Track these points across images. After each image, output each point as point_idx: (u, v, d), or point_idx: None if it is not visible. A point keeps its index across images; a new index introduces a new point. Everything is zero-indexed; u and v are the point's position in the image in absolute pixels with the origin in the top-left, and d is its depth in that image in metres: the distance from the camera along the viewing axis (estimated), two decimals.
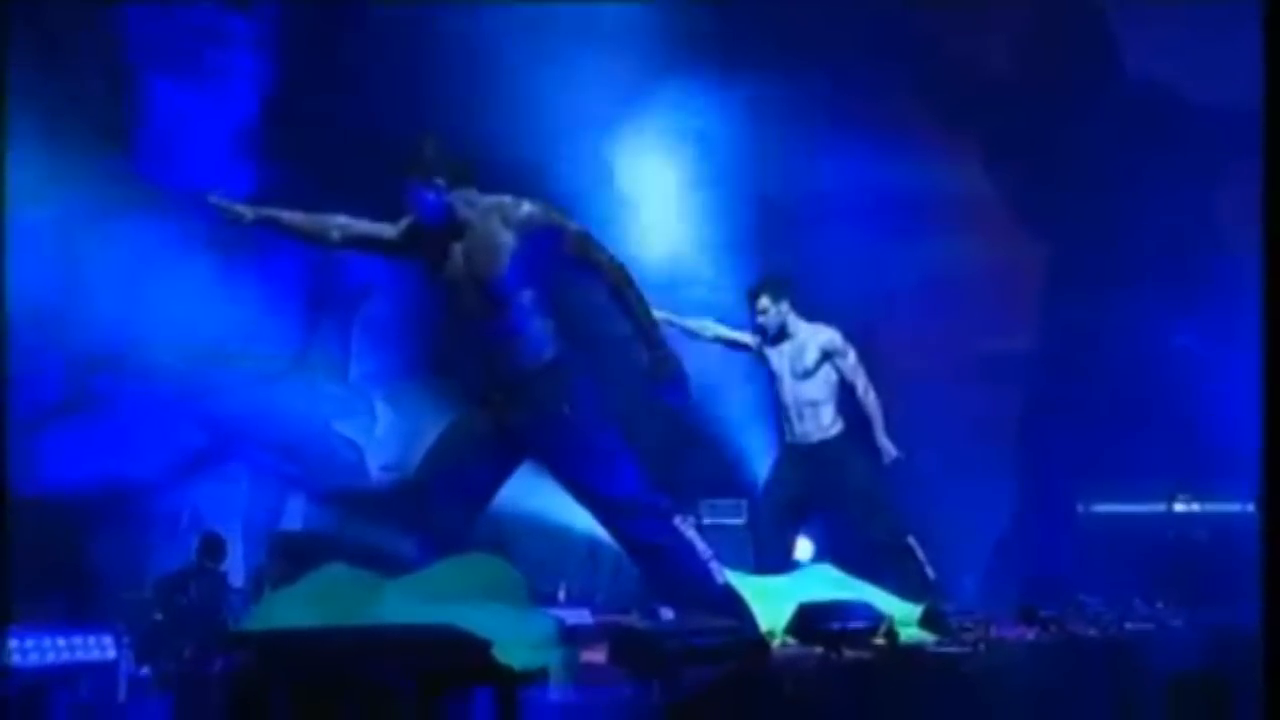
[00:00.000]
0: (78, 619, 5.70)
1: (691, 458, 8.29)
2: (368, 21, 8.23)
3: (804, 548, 6.94)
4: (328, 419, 8.72)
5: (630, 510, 3.75)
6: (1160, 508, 7.72)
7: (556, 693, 2.67)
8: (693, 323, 6.02)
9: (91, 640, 2.68)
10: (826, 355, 5.83)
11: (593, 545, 7.39)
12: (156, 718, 2.60)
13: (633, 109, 8.91)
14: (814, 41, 8.78)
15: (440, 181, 3.69)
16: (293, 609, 2.99)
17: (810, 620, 3.53)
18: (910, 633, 4.13)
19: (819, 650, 3.44)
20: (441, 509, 3.79)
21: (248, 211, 3.98)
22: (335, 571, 3.18)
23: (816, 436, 5.84)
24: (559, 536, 7.61)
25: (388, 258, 4.10)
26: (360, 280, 8.74)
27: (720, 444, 8.46)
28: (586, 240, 3.75)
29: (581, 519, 4.18)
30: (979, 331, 9.09)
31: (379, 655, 2.19)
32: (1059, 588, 6.32)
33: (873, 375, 5.92)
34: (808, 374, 5.82)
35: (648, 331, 3.78)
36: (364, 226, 4.00)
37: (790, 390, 5.87)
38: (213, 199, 3.99)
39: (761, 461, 7.11)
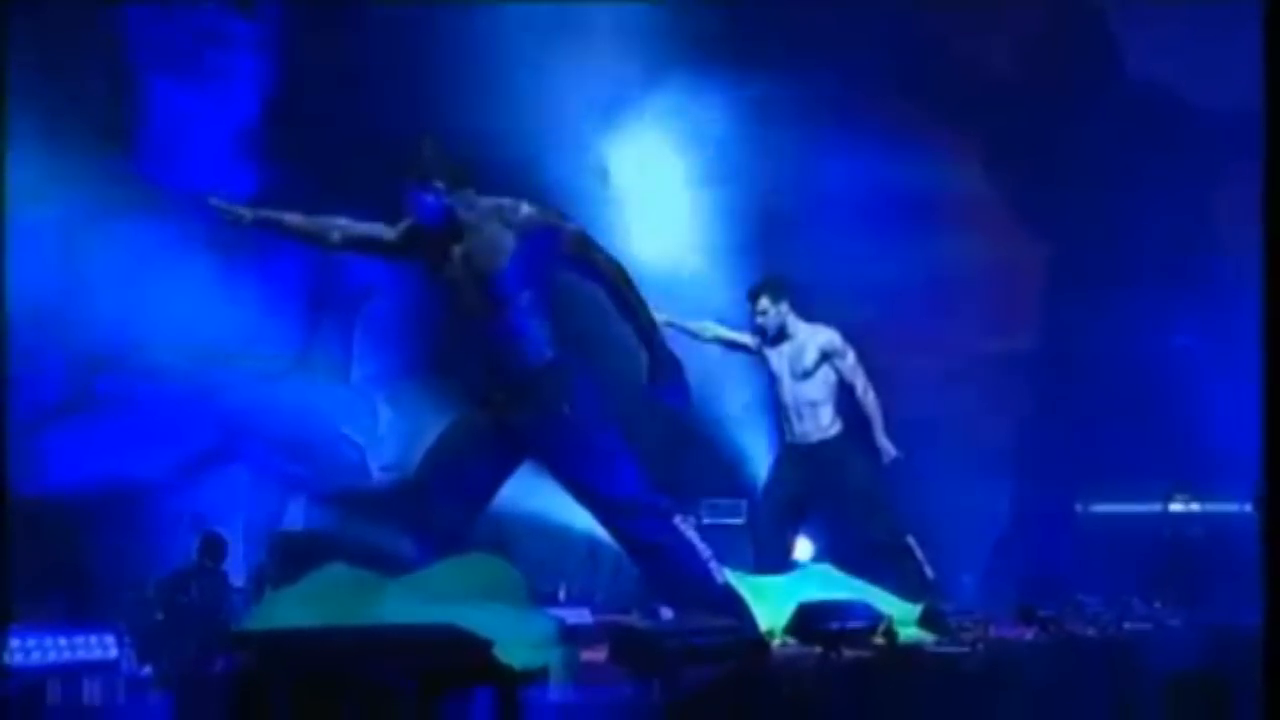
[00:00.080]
0: (79, 618, 5.71)
1: (691, 458, 8.31)
2: (368, 23, 8.24)
3: (803, 547, 6.96)
4: (329, 419, 8.74)
5: (630, 510, 3.75)
6: (1158, 508, 7.73)
7: (557, 692, 2.67)
8: (693, 324, 6.04)
9: (93, 640, 2.68)
10: (826, 356, 5.84)
11: (593, 545, 7.40)
12: (157, 717, 2.60)
13: (632, 110, 8.92)
14: (813, 43, 8.79)
15: (439, 184, 3.69)
16: (293, 609, 3.00)
17: (809, 620, 3.53)
18: (909, 632, 4.13)
19: (818, 650, 3.45)
20: (442, 509, 3.80)
21: (247, 213, 3.99)
22: (336, 571, 3.19)
23: (816, 437, 5.86)
24: (559, 536, 7.62)
25: (387, 259, 4.11)
26: (361, 281, 8.75)
27: (720, 444, 8.47)
28: (585, 241, 3.75)
29: (581, 519, 4.19)
30: (978, 332, 9.11)
31: (380, 655, 2.19)
32: (1057, 587, 6.33)
33: (872, 375, 5.93)
34: (807, 374, 5.83)
35: (647, 332, 3.79)
36: (363, 228, 4.01)
37: (790, 390, 5.88)
38: (212, 200, 4.00)
39: (761, 461, 7.13)
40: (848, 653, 3.46)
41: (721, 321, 6.23)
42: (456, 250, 3.73)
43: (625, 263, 3.81)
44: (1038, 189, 9.20)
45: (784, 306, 5.89)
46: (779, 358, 5.92)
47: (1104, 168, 8.83)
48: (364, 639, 2.35)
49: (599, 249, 3.76)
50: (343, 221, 4.02)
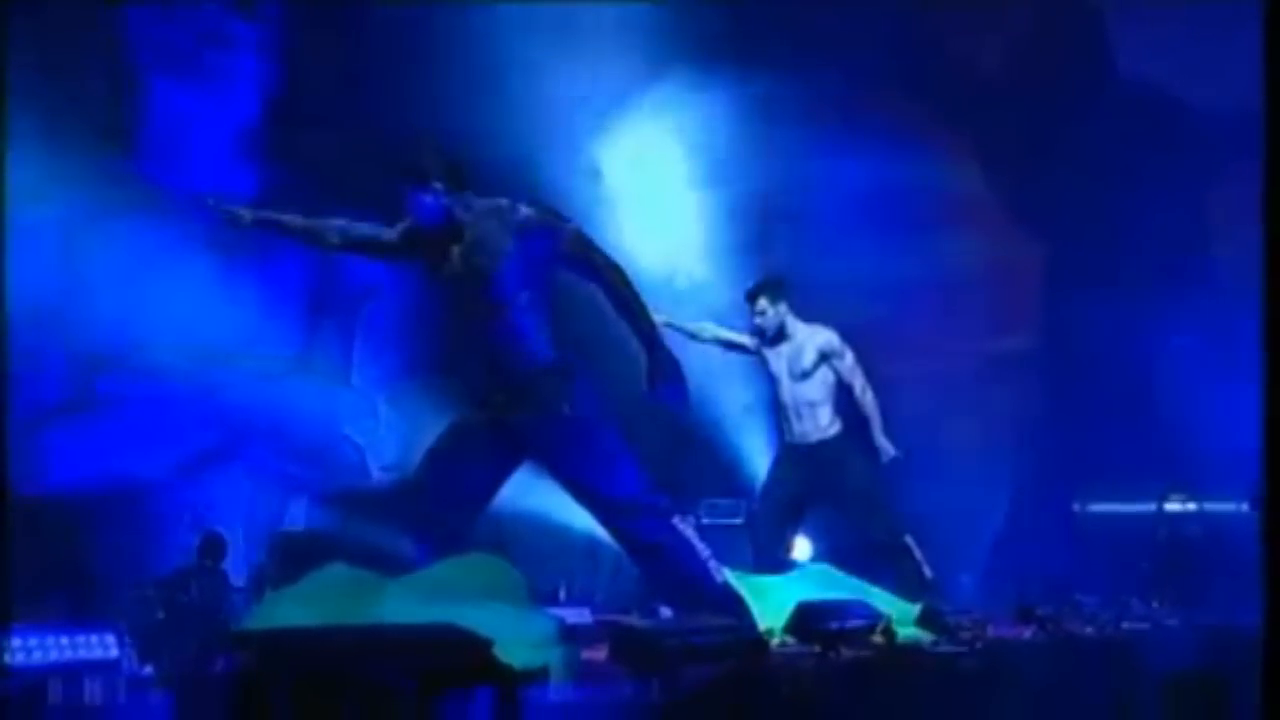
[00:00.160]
0: (80, 618, 5.71)
1: (691, 458, 8.32)
2: (368, 24, 8.24)
3: (802, 547, 6.96)
4: (329, 419, 8.75)
5: (630, 510, 3.75)
6: (1156, 508, 7.73)
7: (557, 692, 2.68)
8: (691, 325, 6.06)
9: (93, 639, 2.68)
10: (824, 356, 5.85)
11: (592, 545, 7.41)
12: (158, 717, 2.60)
13: (631, 110, 8.93)
14: (812, 43, 8.80)
15: (438, 184, 3.70)
16: (294, 608, 3.01)
17: (808, 619, 3.54)
18: (908, 632, 4.14)
19: (817, 649, 3.45)
20: (442, 509, 3.80)
21: (247, 214, 4.00)
22: (336, 571, 3.19)
23: (815, 437, 5.87)
24: (559, 536, 7.63)
25: (387, 260, 4.11)
26: (361, 282, 8.76)
27: (719, 444, 8.48)
28: (584, 241, 3.75)
29: (581, 519, 4.19)
30: (977, 332, 9.11)
31: (380, 655, 2.19)
32: (1056, 587, 6.34)
33: (871, 375, 5.94)
34: (806, 375, 5.85)
35: (646, 332, 3.79)
36: (363, 230, 4.02)
37: (789, 391, 5.89)
38: (212, 201, 4.00)
39: (760, 462, 7.14)
40: (846, 652, 3.46)
41: (720, 322, 6.24)
42: (456, 251, 3.73)
43: (624, 263, 3.82)
44: (1037, 189, 9.21)
45: (782, 307, 5.90)
46: (778, 358, 5.93)
47: (1103, 168, 8.84)
48: (364, 639, 2.35)
49: (598, 249, 3.77)
50: (342, 222, 4.03)
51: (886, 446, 5.85)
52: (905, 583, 5.38)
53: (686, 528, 3.81)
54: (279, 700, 2.10)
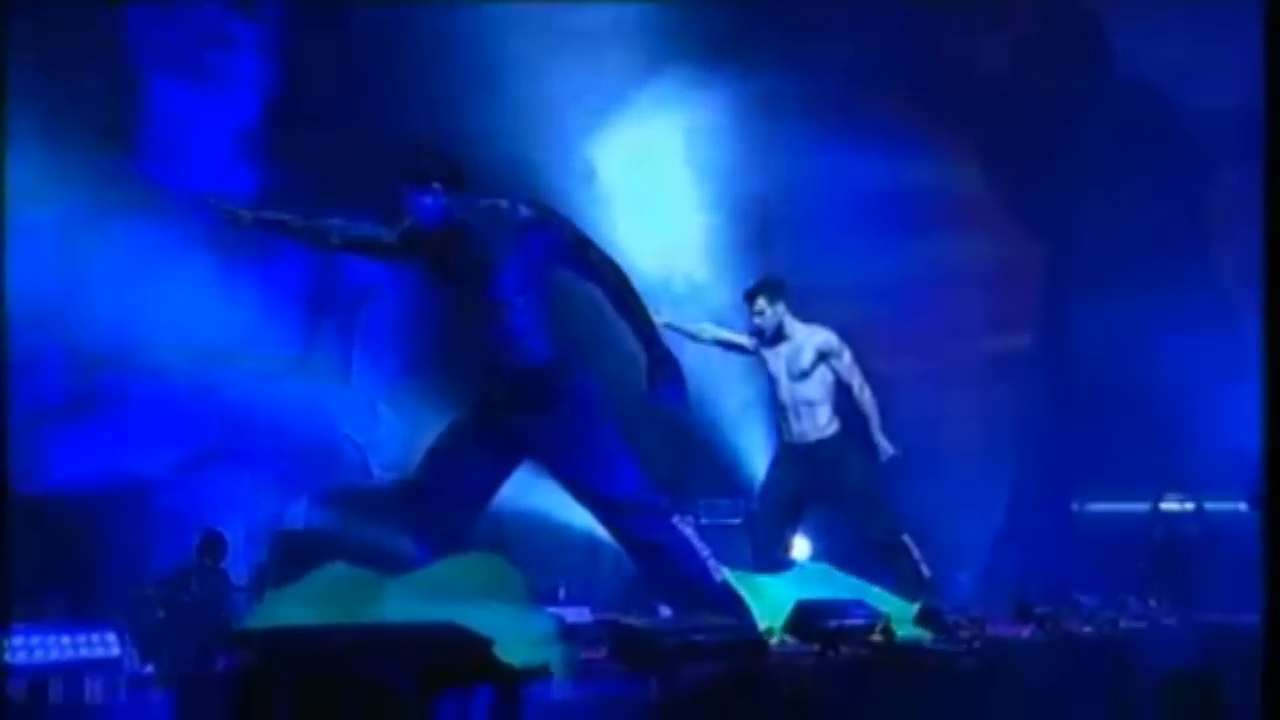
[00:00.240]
0: (81, 616, 5.72)
1: (690, 458, 8.32)
2: (368, 24, 8.25)
3: (801, 546, 6.97)
4: (329, 419, 8.75)
5: (629, 509, 3.76)
6: (1155, 507, 7.74)
7: (556, 690, 2.69)
8: (691, 325, 6.07)
9: (95, 638, 2.68)
10: (822, 356, 5.86)
11: (592, 544, 7.41)
12: (159, 715, 2.61)
13: (630, 109, 8.93)
14: (811, 41, 8.79)
15: (438, 185, 3.71)
16: (294, 607, 3.01)
17: (807, 618, 3.55)
18: (906, 631, 4.14)
19: (816, 648, 3.46)
20: (442, 508, 3.81)
21: (247, 214, 4.00)
22: (337, 570, 3.20)
23: (813, 436, 5.88)
24: (559, 535, 7.63)
25: (387, 260, 4.11)
26: (362, 282, 8.77)
27: (718, 444, 8.48)
28: (583, 241, 3.76)
29: (581, 518, 4.20)
30: (975, 331, 9.12)
31: (380, 653, 2.20)
32: (1054, 586, 6.35)
33: (870, 375, 5.95)
34: (804, 374, 5.86)
35: (645, 332, 3.80)
36: (363, 229, 4.03)
37: (787, 391, 5.91)
38: (211, 201, 4.01)
39: (759, 461, 7.14)
40: (845, 651, 3.47)
41: (719, 323, 6.26)
42: (455, 251, 3.74)
43: (622, 263, 3.83)
44: (1035, 189, 9.22)
45: (781, 307, 5.91)
46: (776, 358, 5.95)
47: (1103, 168, 8.84)
48: (365, 637, 2.36)
49: (597, 249, 3.78)
50: (342, 222, 4.04)
51: (885, 445, 5.87)
52: (904, 582, 5.39)
53: (686, 527, 3.81)
54: (279, 699, 2.10)
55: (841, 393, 5.90)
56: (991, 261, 9.13)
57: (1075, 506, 8.15)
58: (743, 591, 3.87)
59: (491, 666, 2.32)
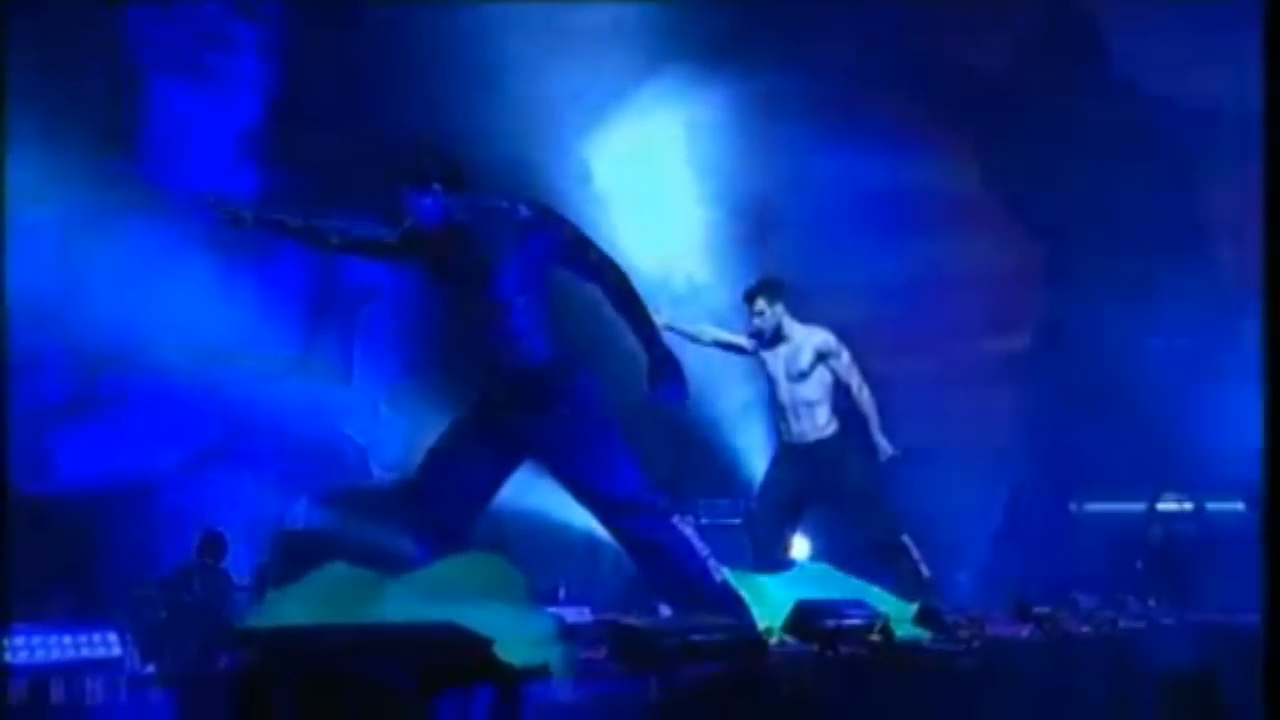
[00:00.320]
0: (82, 616, 5.73)
1: (690, 458, 8.33)
2: (370, 26, 8.25)
3: (800, 546, 6.98)
4: (330, 419, 8.76)
5: (629, 509, 3.76)
6: (1152, 507, 7.75)
7: (557, 690, 2.69)
8: (690, 327, 6.08)
9: (96, 638, 2.68)
10: (821, 356, 5.87)
11: (592, 544, 7.43)
12: (160, 715, 2.61)
13: (630, 108, 8.94)
14: (811, 40, 8.80)
15: (438, 186, 3.71)
16: (295, 607, 3.01)
17: (807, 618, 3.55)
18: (906, 630, 4.15)
19: (815, 648, 3.47)
20: (442, 508, 3.82)
21: (247, 215, 4.01)
22: (337, 570, 3.20)
23: (812, 436, 5.89)
24: (559, 536, 7.65)
25: (387, 261, 4.12)
26: (362, 283, 8.78)
27: (718, 445, 8.50)
28: (584, 241, 3.77)
29: (581, 518, 4.20)
30: (974, 332, 9.12)
31: (380, 653, 2.20)
32: (1053, 586, 6.36)
33: (869, 375, 5.96)
34: (803, 375, 5.87)
35: (645, 331, 3.80)
36: (363, 231, 4.03)
37: (786, 391, 5.92)
38: (211, 202, 4.02)
39: (758, 461, 7.15)
40: (844, 650, 3.47)
41: (718, 323, 6.27)
42: (455, 252, 3.75)
43: (621, 263, 3.83)
44: (1035, 190, 9.23)
45: (780, 308, 5.92)
46: (775, 359, 5.96)
47: (1101, 169, 8.86)
48: (365, 637, 2.36)
49: (597, 249, 3.78)
50: (342, 223, 4.04)
51: (885, 445, 5.88)
52: (903, 581, 5.40)
53: (686, 527, 3.81)
54: (280, 698, 2.10)
55: (840, 393, 5.92)
56: (991, 262, 9.15)
57: (1074, 507, 8.16)
58: (742, 591, 3.87)
59: (491, 666, 2.32)
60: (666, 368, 3.77)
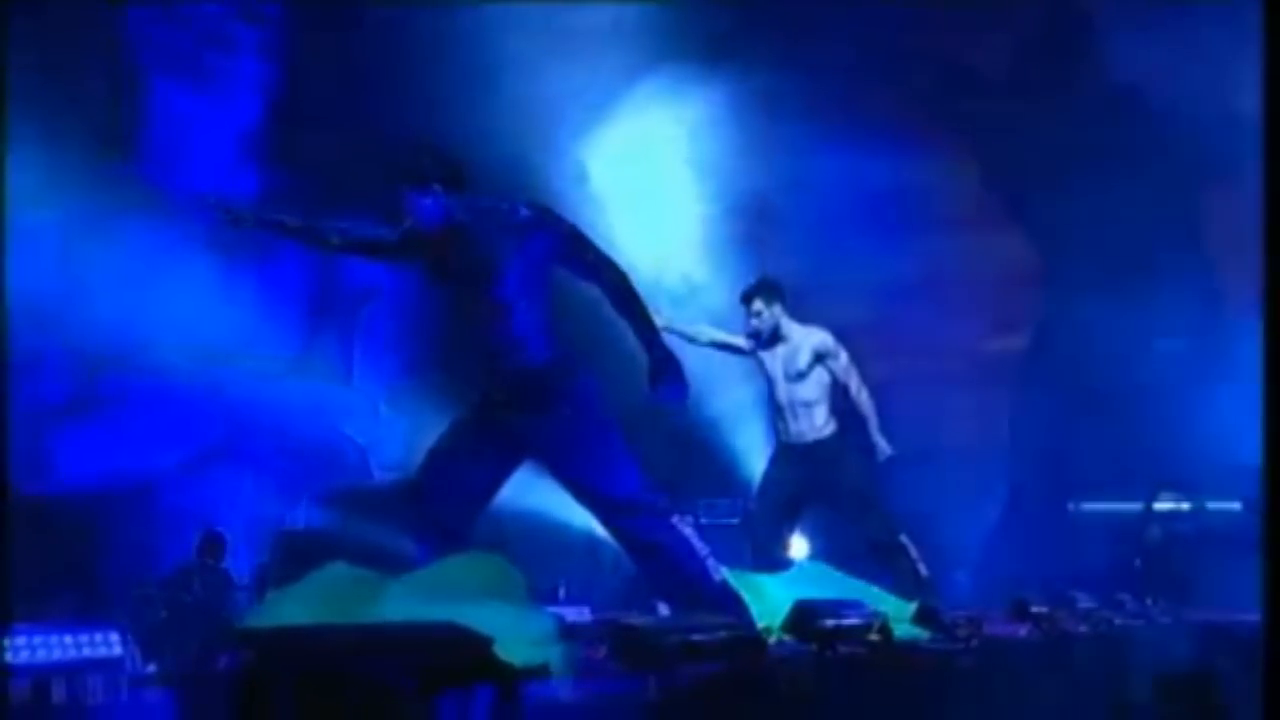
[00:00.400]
0: (83, 616, 5.73)
1: (689, 458, 8.34)
2: (370, 26, 8.26)
3: (799, 546, 6.99)
4: (330, 419, 8.78)
5: (629, 509, 3.77)
6: (1150, 507, 7.76)
7: (556, 689, 2.70)
8: (689, 328, 6.09)
9: (97, 637, 2.69)
10: (819, 357, 5.89)
11: (592, 544, 7.43)
12: (161, 714, 2.62)
13: (628, 109, 8.94)
14: (808, 42, 8.81)
15: (438, 186, 3.72)
16: (295, 607, 3.02)
17: (805, 617, 3.55)
18: (904, 630, 4.16)
19: (814, 647, 3.48)
20: (442, 508, 3.83)
21: (248, 215, 4.02)
22: (337, 570, 3.20)
23: (811, 436, 5.90)
24: (559, 535, 7.65)
25: (388, 262, 4.13)
26: (362, 283, 8.80)
27: (717, 445, 8.51)
28: (584, 241, 3.78)
29: (581, 518, 4.21)
30: (972, 332, 9.13)
31: (380, 653, 2.21)
32: (1051, 585, 6.37)
33: (867, 375, 5.97)
34: (801, 376, 5.88)
35: (645, 331, 3.81)
36: (363, 231, 4.04)
37: (784, 392, 5.93)
38: (212, 203, 4.03)
39: (757, 462, 7.16)
40: (843, 650, 3.48)
41: (716, 324, 6.28)
42: (455, 252, 3.75)
43: (620, 263, 3.84)
44: (1033, 190, 9.24)
45: (778, 309, 5.93)
46: (773, 360, 5.97)
47: (1100, 169, 8.86)
48: (365, 637, 2.37)
49: (598, 250, 3.79)
50: (342, 225, 4.05)
51: (883, 445, 5.89)
52: (901, 581, 5.41)
53: (685, 527, 3.82)
54: (280, 698, 2.11)
55: (839, 393, 5.93)
56: (989, 262, 9.16)
57: (1071, 506, 8.17)
58: (741, 591, 3.88)
59: (491, 666, 2.33)
60: (667, 368, 3.78)
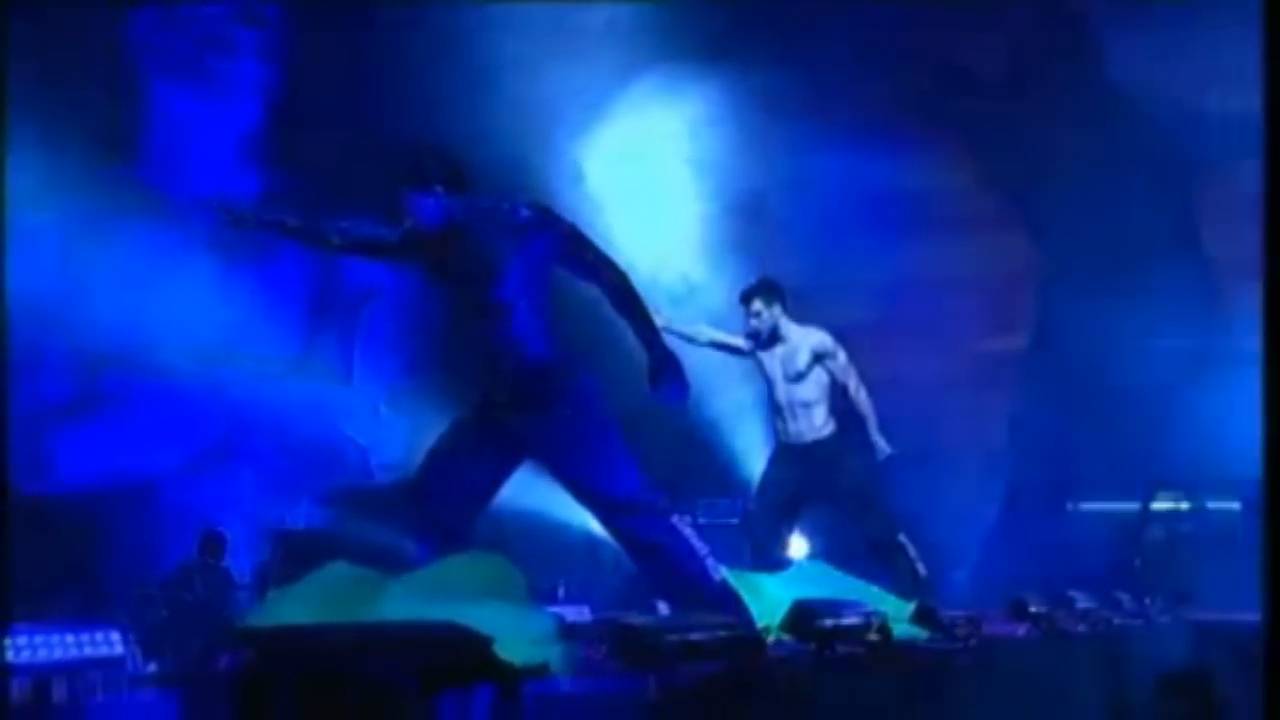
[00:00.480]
0: (84, 615, 5.74)
1: (689, 458, 8.35)
2: (369, 27, 8.26)
3: (798, 545, 7.00)
4: (331, 419, 8.78)
5: (629, 509, 3.77)
6: (1148, 506, 7.76)
7: (557, 688, 2.71)
8: (688, 328, 6.09)
9: (98, 637, 2.70)
10: (818, 357, 5.89)
11: (592, 543, 7.44)
12: (162, 713, 2.62)
13: (627, 108, 8.95)
14: (807, 41, 8.81)
15: (438, 187, 3.73)
16: (296, 606, 3.03)
17: (804, 617, 3.56)
18: (903, 629, 4.16)
19: (813, 646, 3.48)
20: (443, 508, 3.83)
21: (249, 216, 4.03)
22: (338, 570, 3.21)
23: (810, 436, 5.91)
24: (559, 535, 7.66)
25: (388, 262, 4.13)
26: (362, 283, 8.80)
27: (716, 445, 8.51)
28: (583, 242, 3.78)
29: (581, 517, 4.22)
30: (971, 332, 9.14)
31: (381, 652, 2.21)
32: (1049, 584, 6.38)
33: (866, 375, 5.98)
34: (800, 376, 5.89)
35: (645, 331, 3.82)
36: (364, 232, 4.04)
37: (784, 392, 5.94)
38: (213, 203, 4.03)
39: (757, 462, 7.17)
40: (842, 649, 3.49)
41: (715, 324, 6.29)
42: (456, 252, 3.76)
43: (620, 263, 3.85)
44: (1031, 190, 9.24)
45: (777, 309, 5.94)
46: (772, 360, 5.98)
47: (1099, 169, 8.87)
48: (365, 636, 2.37)
49: (598, 250, 3.80)
50: (342, 225, 4.05)
51: (882, 445, 5.90)
52: (900, 580, 5.42)
53: (685, 527, 3.83)
54: (281, 697, 2.11)
55: (838, 393, 5.93)
56: (987, 262, 9.16)
57: (1070, 505, 8.18)
58: (741, 590, 3.89)
59: (491, 665, 2.33)
60: (667, 368, 3.78)
